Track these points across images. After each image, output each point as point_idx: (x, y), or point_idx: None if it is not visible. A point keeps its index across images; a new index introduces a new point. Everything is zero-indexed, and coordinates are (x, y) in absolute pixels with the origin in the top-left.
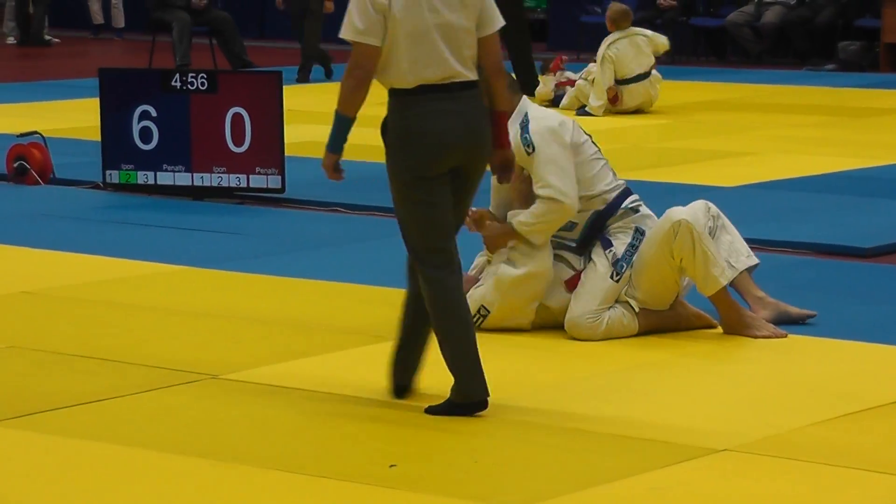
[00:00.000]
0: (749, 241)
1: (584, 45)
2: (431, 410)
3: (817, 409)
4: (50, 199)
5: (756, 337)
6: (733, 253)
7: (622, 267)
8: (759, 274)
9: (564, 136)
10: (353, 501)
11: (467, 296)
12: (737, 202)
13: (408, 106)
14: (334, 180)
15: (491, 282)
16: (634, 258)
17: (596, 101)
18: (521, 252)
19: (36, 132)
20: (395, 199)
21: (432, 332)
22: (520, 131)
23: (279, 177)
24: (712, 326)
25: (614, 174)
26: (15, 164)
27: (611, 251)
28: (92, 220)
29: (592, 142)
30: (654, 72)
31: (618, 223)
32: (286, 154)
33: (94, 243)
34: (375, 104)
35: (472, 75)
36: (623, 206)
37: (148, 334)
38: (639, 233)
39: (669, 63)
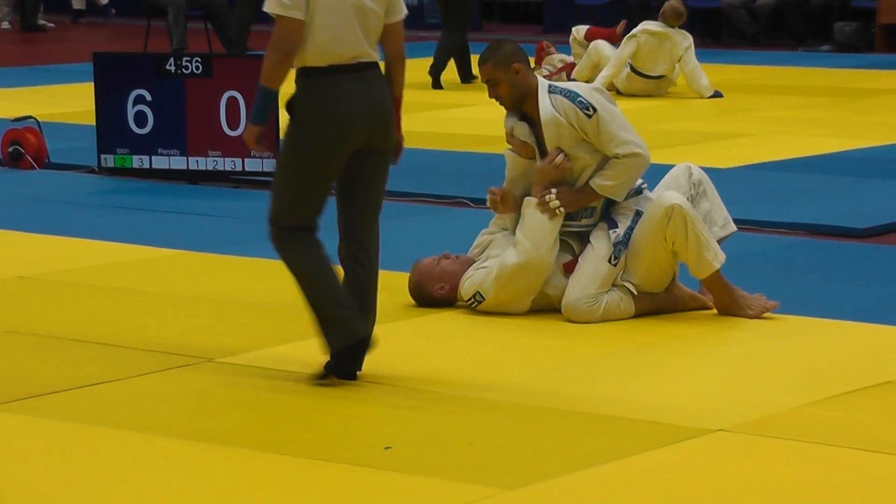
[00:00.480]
0: (744, 222)
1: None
2: (325, 369)
3: (812, 389)
4: (45, 183)
5: (749, 317)
6: (709, 223)
7: (620, 251)
8: (753, 255)
9: (609, 95)
10: (349, 484)
11: (466, 277)
12: (732, 183)
13: (317, 86)
14: (256, 152)
15: (493, 268)
16: (629, 244)
17: (606, 71)
18: (527, 237)
19: (31, 117)
20: (282, 168)
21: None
22: (567, 99)
23: (274, 160)
24: (707, 308)
25: None
26: (10, 149)
27: (614, 232)
28: (87, 205)
29: None
30: (669, 76)
31: (622, 204)
32: (281, 138)
33: (89, 228)
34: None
35: (375, 56)
36: (634, 186)
37: (144, 318)
38: (637, 215)
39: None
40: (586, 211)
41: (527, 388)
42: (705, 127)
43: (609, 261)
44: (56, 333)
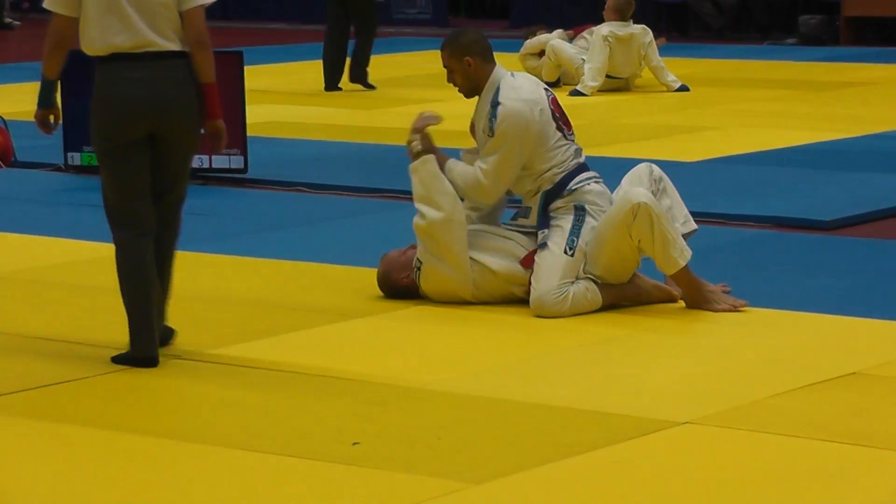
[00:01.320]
0: (710, 215)
1: (546, 21)
2: (115, 359)
3: (778, 380)
4: (12, 182)
5: (716, 310)
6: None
7: (573, 241)
8: (720, 248)
9: (532, 127)
10: (317, 480)
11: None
12: (698, 177)
13: (100, 72)
14: (45, 133)
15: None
16: (591, 237)
17: (592, 81)
18: (422, 202)
19: None
20: (98, 161)
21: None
22: (491, 106)
23: (241, 157)
24: (672, 298)
25: (576, 153)
26: None
27: (542, 233)
28: (54, 203)
29: (556, 118)
30: (636, 72)
31: (559, 203)
32: (248, 134)
33: (57, 226)
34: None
35: (172, 45)
36: (570, 185)
37: (111, 316)
38: (579, 210)
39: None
40: (521, 211)
41: (494, 382)
42: (671, 120)
43: (565, 252)
44: (23, 332)
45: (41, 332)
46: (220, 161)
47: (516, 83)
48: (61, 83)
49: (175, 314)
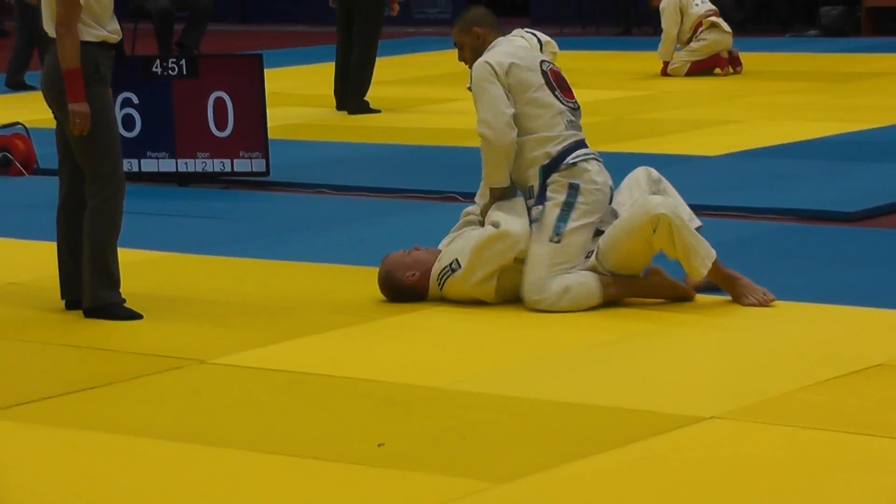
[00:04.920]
0: (734, 208)
1: (566, 18)
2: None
3: (804, 373)
4: (34, 189)
5: (745, 304)
6: None
7: (560, 227)
8: (744, 241)
9: (497, 70)
10: (343, 481)
11: (443, 252)
12: (722, 170)
13: None
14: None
15: (471, 238)
16: (606, 237)
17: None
18: (501, 210)
19: (19, 123)
20: None
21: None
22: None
23: (263, 160)
24: (687, 298)
25: (570, 125)
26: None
27: (537, 208)
28: None
29: (553, 89)
30: None
31: (556, 177)
32: (269, 137)
33: None
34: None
35: (52, 32)
36: (566, 161)
37: (135, 321)
38: (573, 189)
39: (652, 34)
40: (527, 192)
41: (517, 380)
42: (693, 114)
43: (550, 240)
44: (47, 339)
45: (63, 340)
46: (241, 164)
47: (498, 47)
48: None
49: (198, 317)
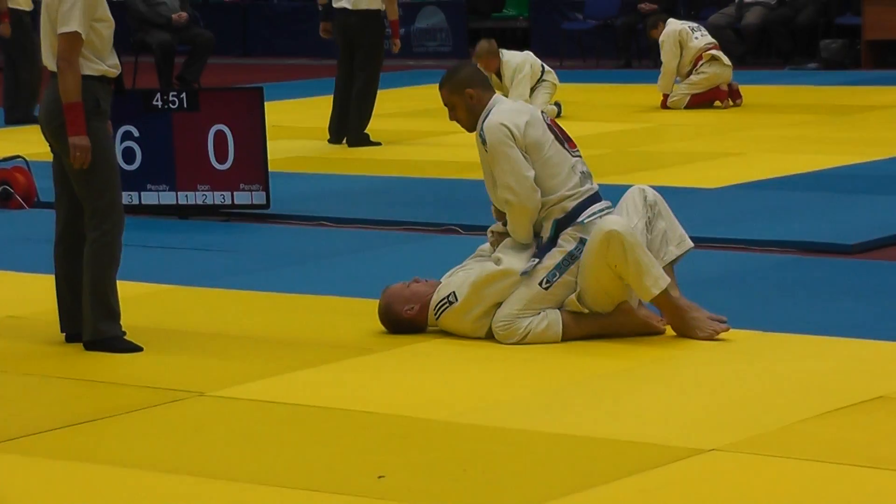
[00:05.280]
0: (733, 241)
1: (566, 51)
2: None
3: (805, 406)
4: (34, 222)
5: (699, 338)
6: (664, 242)
7: (554, 275)
8: (744, 273)
9: (514, 133)
10: None
11: (442, 285)
12: (721, 203)
13: None
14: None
15: (472, 272)
16: (574, 265)
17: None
18: (507, 248)
19: (19, 156)
20: None
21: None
22: (480, 132)
23: (263, 192)
24: (659, 332)
25: (584, 177)
26: None
27: (534, 260)
28: None
29: (561, 142)
30: None
31: (570, 231)
32: (270, 170)
33: None
34: (390, 116)
35: (52, 66)
36: (582, 217)
37: (134, 354)
38: (582, 244)
39: (652, 67)
40: (536, 240)
41: (517, 413)
42: (693, 147)
43: (540, 284)
44: (46, 372)
45: (63, 373)
46: (242, 197)
47: (503, 105)
48: None
49: (198, 350)
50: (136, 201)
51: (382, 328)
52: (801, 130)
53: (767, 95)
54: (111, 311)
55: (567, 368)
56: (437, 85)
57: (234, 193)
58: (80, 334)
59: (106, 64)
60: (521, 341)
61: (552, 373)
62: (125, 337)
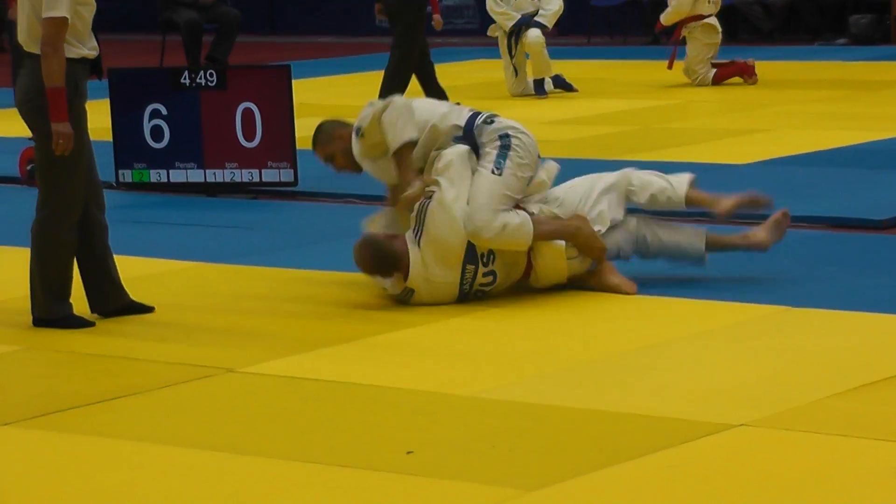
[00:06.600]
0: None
1: (594, 28)
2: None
3: (834, 381)
4: None
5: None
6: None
7: (500, 163)
8: (774, 250)
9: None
10: (372, 489)
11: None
12: (750, 179)
13: None
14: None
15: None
16: (512, 152)
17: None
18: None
19: None
20: None
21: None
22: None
23: (291, 170)
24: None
25: (469, 109)
26: (28, 167)
27: (483, 156)
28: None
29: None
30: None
31: (481, 142)
32: (297, 147)
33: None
34: (416, 93)
35: (33, 48)
36: (476, 123)
37: (163, 331)
38: (506, 137)
39: (682, 43)
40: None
41: (543, 389)
42: (722, 123)
43: (492, 172)
44: (76, 349)
45: (92, 349)
46: (270, 174)
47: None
48: (110, 101)
49: (227, 327)
50: (164, 179)
51: (411, 305)
52: (829, 106)
53: (796, 71)
54: (61, 291)
55: (594, 344)
56: (463, 62)
57: (262, 171)
58: (111, 310)
59: (86, 47)
60: (498, 236)
61: (579, 348)
62: (75, 314)
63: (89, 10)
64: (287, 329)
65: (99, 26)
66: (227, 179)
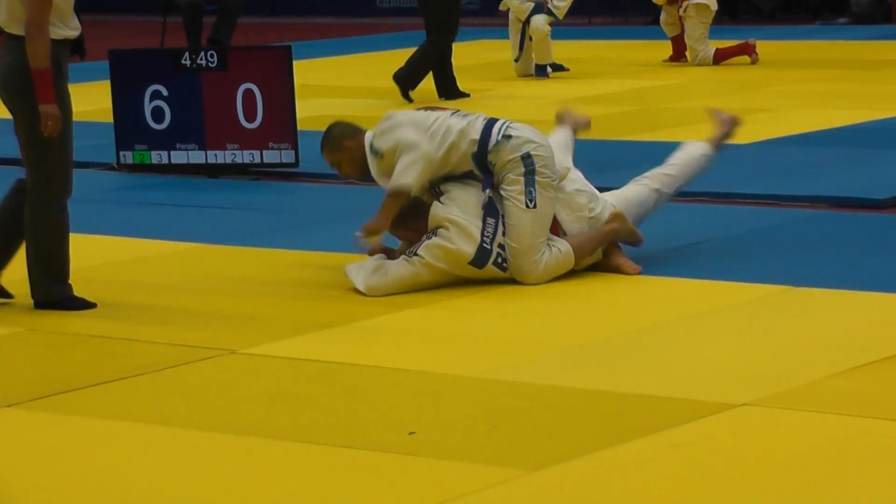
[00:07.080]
0: (764, 196)
1: (595, 9)
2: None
3: (836, 360)
4: (79, 183)
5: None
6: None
7: (531, 192)
8: (775, 229)
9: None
10: (374, 469)
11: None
12: (752, 159)
13: None
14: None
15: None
16: (537, 176)
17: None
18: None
19: None
20: None
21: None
22: (369, 144)
23: (292, 151)
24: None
25: (484, 118)
26: None
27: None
28: (107, 202)
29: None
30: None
31: (502, 161)
32: (299, 128)
33: (110, 224)
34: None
35: (17, 30)
36: (493, 137)
37: (165, 312)
38: (528, 159)
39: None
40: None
41: (548, 369)
42: (722, 103)
43: (527, 207)
44: (78, 330)
45: (95, 331)
46: (271, 156)
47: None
48: (111, 83)
49: (229, 308)
50: (165, 160)
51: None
52: (830, 86)
53: (797, 51)
54: (59, 272)
55: (597, 324)
56: (469, 42)
57: (264, 152)
58: None
59: (69, 27)
60: (544, 277)
61: (582, 328)
62: (76, 295)
63: None
64: (289, 310)
65: (100, 7)
66: (229, 161)
